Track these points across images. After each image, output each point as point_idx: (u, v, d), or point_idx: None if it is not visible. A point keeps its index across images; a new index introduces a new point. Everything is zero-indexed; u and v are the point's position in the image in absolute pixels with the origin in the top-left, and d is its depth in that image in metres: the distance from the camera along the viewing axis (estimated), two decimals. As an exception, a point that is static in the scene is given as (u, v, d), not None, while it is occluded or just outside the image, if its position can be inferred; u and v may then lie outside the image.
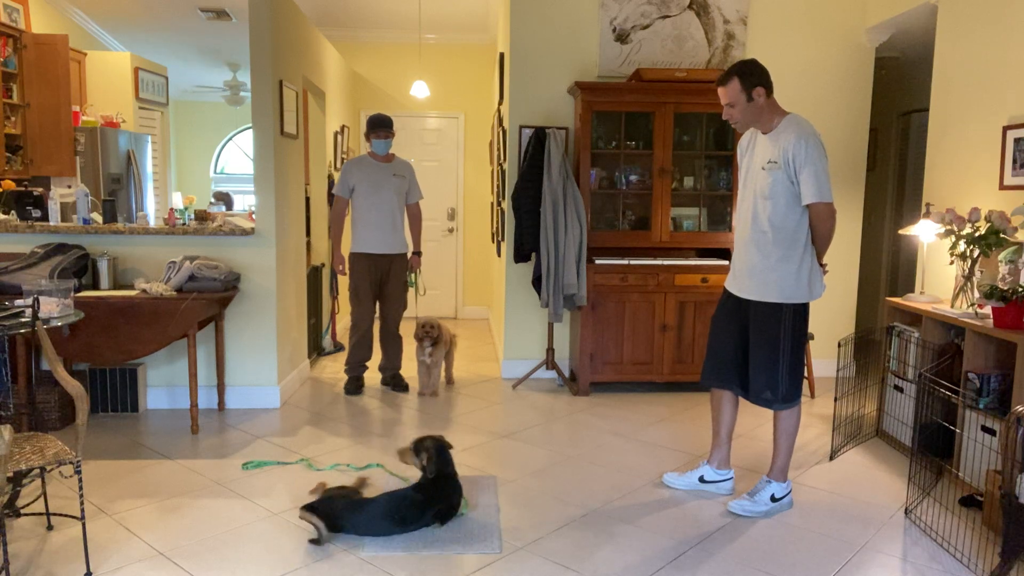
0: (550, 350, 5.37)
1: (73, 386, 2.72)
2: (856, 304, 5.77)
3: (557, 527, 3.12)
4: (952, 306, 3.82)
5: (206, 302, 4.19)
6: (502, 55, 5.95)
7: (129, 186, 6.81)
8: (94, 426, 4.31)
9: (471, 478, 3.57)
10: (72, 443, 2.77)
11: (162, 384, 4.68)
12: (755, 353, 3.29)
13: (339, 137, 6.97)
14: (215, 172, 10.85)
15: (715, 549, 2.95)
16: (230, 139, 10.86)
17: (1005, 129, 3.89)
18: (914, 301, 4.13)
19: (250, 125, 4.73)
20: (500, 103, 6.12)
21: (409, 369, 5.43)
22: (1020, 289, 3.27)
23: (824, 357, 5.57)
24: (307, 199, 5.79)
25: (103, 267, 4.34)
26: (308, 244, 5.85)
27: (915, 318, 4.15)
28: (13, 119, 6.07)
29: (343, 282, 7.00)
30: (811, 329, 5.50)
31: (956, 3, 4.37)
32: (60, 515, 3.09)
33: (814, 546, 2.99)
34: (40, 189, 5.38)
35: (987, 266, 3.78)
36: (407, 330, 5.32)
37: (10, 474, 2.52)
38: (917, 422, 3.57)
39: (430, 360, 5.03)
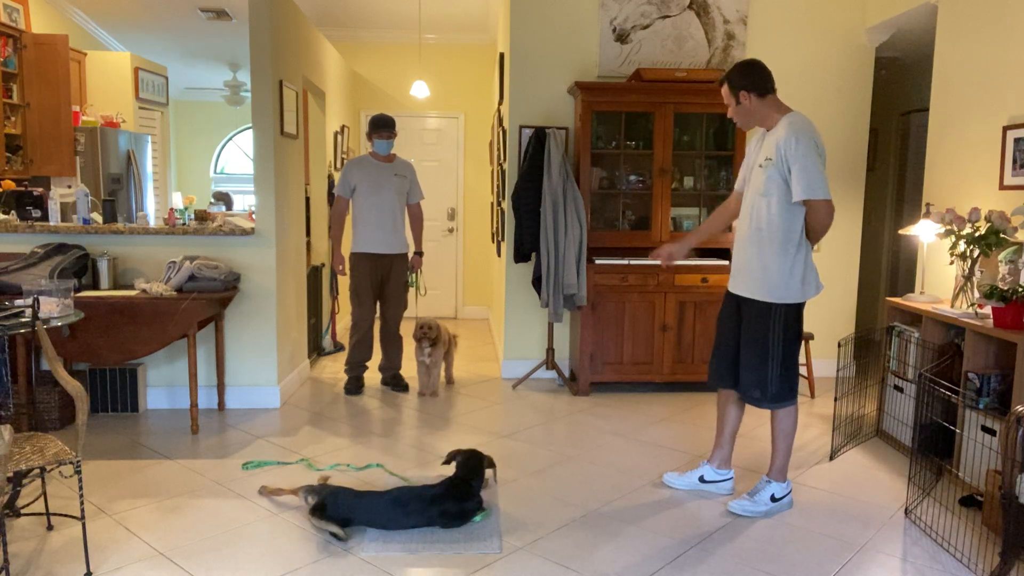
0: (550, 350, 5.37)
1: (73, 386, 2.72)
2: (856, 304, 5.77)
3: (557, 527, 3.12)
4: (952, 306, 3.82)
5: (206, 302, 4.19)
6: (502, 55, 5.95)
7: (129, 186, 6.81)
8: (94, 426, 4.31)
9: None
10: (72, 443, 2.77)
11: (162, 384, 4.68)
12: (745, 351, 3.29)
13: (339, 137, 6.97)
14: (215, 172, 10.85)
15: (715, 549, 2.95)
16: (230, 139, 10.86)
17: (1005, 129, 3.89)
18: (914, 301, 4.13)
19: (250, 125, 4.73)
20: (500, 103, 6.12)
21: (409, 369, 5.43)
22: (1020, 289, 3.27)
23: (824, 357, 5.57)
24: (307, 199, 5.79)
25: (103, 267, 4.34)
26: (308, 244, 5.85)
27: (915, 318, 4.15)
28: (13, 119, 6.07)
29: (343, 282, 7.00)
30: (811, 329, 5.53)
31: (956, 3, 4.37)
32: (60, 515, 3.09)
33: (814, 546, 2.99)
34: (40, 189, 5.39)
35: (987, 266, 3.78)
36: (407, 330, 5.32)
37: (10, 474, 2.52)
38: (917, 422, 3.57)
39: (429, 360, 5.03)
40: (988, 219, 3.63)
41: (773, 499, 3.29)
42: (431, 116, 7.97)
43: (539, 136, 5.06)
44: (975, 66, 4.19)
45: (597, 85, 5.03)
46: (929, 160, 4.59)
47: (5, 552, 2.51)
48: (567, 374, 5.51)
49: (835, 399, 4.15)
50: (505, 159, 5.66)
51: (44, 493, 3.04)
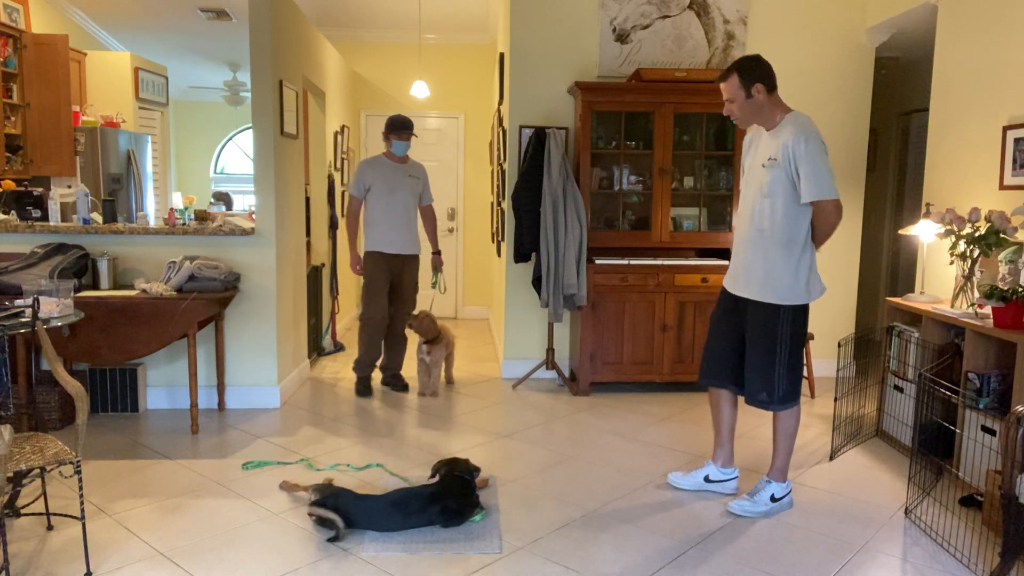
0: (550, 350, 5.37)
1: (73, 386, 2.72)
2: (856, 304, 5.77)
3: (557, 527, 3.12)
4: (952, 306, 3.82)
5: (206, 302, 4.19)
6: (502, 55, 5.95)
7: (129, 186, 6.81)
8: (94, 426, 4.31)
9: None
10: (72, 443, 2.77)
11: (162, 384, 4.68)
12: (751, 354, 3.26)
13: (339, 137, 6.97)
14: (215, 172, 10.85)
15: (715, 549, 2.95)
16: (230, 139, 10.86)
17: (1005, 129, 3.89)
18: (914, 301, 4.13)
19: (250, 125, 4.73)
20: (500, 103, 6.12)
21: (408, 369, 5.43)
22: (1020, 289, 3.27)
23: (824, 357, 5.57)
24: (307, 199, 5.79)
25: (103, 267, 4.34)
26: (308, 244, 5.85)
27: (915, 318, 4.15)
28: (13, 119, 6.07)
29: (343, 282, 7.00)
30: (811, 329, 5.52)
31: (956, 3, 4.37)
32: (60, 515, 3.09)
33: (814, 546, 2.99)
34: (40, 189, 5.39)
35: (987, 266, 3.78)
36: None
37: (10, 474, 2.52)
38: (917, 422, 3.57)
39: (429, 359, 5.03)
40: (988, 219, 3.63)
41: (773, 499, 3.28)
42: (431, 116, 7.97)
43: (539, 136, 5.06)
44: (975, 66, 4.19)
45: (597, 85, 5.03)
46: (929, 160, 4.59)
47: (5, 552, 2.51)
48: (567, 374, 5.51)
49: (835, 399, 4.15)
50: (505, 159, 5.66)
51: (44, 493, 3.03)
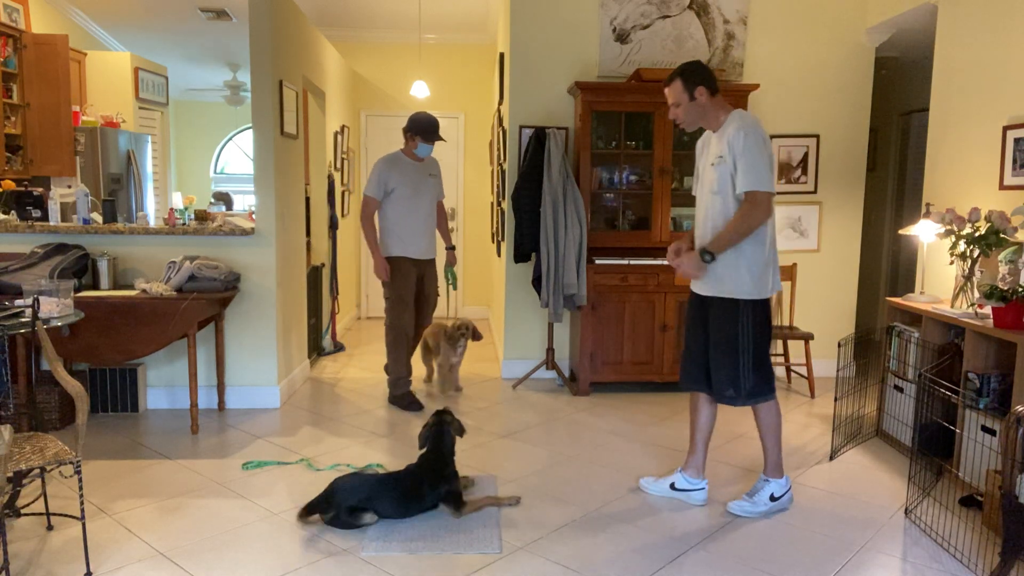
0: (550, 350, 5.37)
1: (73, 386, 2.72)
2: (856, 304, 5.77)
3: (557, 527, 3.12)
4: (952, 306, 3.82)
5: (206, 302, 4.19)
6: (502, 55, 5.95)
7: (129, 186, 6.81)
8: (94, 426, 4.31)
9: (471, 477, 3.57)
10: (72, 443, 2.77)
11: (162, 384, 4.68)
12: (714, 351, 3.23)
13: (339, 137, 6.97)
14: (215, 172, 10.85)
15: (715, 549, 2.95)
16: (230, 139, 10.86)
17: (1005, 129, 3.89)
18: (914, 301, 4.13)
19: (250, 125, 4.73)
20: (500, 103, 6.12)
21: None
22: (1020, 289, 3.27)
23: (824, 357, 5.57)
24: (307, 199, 5.79)
25: (103, 267, 4.34)
26: (308, 244, 5.85)
27: (915, 318, 4.15)
28: (13, 119, 6.07)
29: (343, 282, 7.00)
30: (811, 329, 5.54)
31: (956, 3, 4.37)
32: (60, 515, 3.09)
33: (814, 546, 2.99)
34: (40, 189, 5.39)
35: (987, 266, 3.78)
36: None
37: (10, 474, 2.52)
38: (917, 422, 3.57)
39: (459, 360, 5.10)
40: (988, 219, 3.63)
41: (772, 498, 3.28)
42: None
43: (539, 136, 5.06)
44: (975, 66, 4.19)
45: (597, 85, 5.03)
46: (929, 160, 4.59)
47: (5, 552, 2.51)
48: (567, 374, 5.51)
49: (835, 399, 4.14)
50: (505, 159, 5.66)
51: (44, 493, 3.04)
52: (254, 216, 4.72)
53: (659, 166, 5.08)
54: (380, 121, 7.97)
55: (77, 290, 4.18)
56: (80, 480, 2.66)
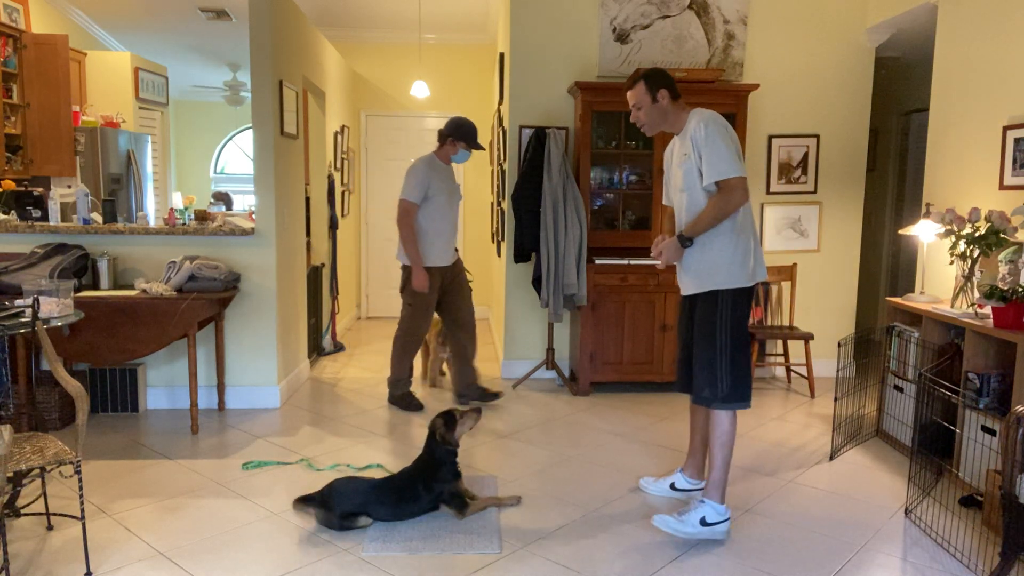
0: (550, 350, 5.37)
1: (73, 386, 2.72)
2: (856, 304, 5.77)
3: (557, 527, 3.12)
4: (952, 306, 3.82)
5: (206, 302, 4.19)
6: (502, 55, 5.95)
7: (129, 186, 6.81)
8: (94, 426, 4.31)
9: (471, 478, 3.57)
10: (72, 443, 2.77)
11: (162, 384, 4.68)
12: (696, 350, 3.15)
13: (339, 137, 6.97)
14: (215, 172, 10.85)
15: (715, 549, 2.95)
16: (230, 139, 10.86)
17: (1005, 129, 3.89)
18: (914, 301, 4.13)
19: (250, 125, 4.73)
20: (500, 103, 6.12)
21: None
22: (1020, 289, 3.27)
23: (824, 357, 5.57)
24: (307, 199, 5.79)
25: (103, 267, 4.34)
26: (308, 244, 5.85)
27: (915, 318, 4.15)
28: (13, 119, 6.07)
29: (343, 282, 7.00)
30: (811, 329, 5.54)
31: (956, 3, 4.37)
32: (60, 515, 3.09)
33: (814, 546, 2.99)
34: (40, 189, 5.39)
35: (987, 266, 3.78)
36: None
37: (10, 474, 2.52)
38: (917, 422, 3.57)
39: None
40: (988, 219, 3.63)
41: (703, 523, 3.03)
42: (431, 116, 7.97)
43: (539, 136, 5.06)
44: (975, 66, 4.19)
45: (597, 85, 5.03)
46: (929, 160, 4.59)
47: (5, 552, 2.51)
48: (567, 374, 5.51)
49: (835, 399, 4.14)
50: (505, 159, 5.66)
51: (44, 493, 3.04)
52: (254, 216, 4.72)
53: (659, 166, 5.07)
54: (380, 121, 7.97)
55: (77, 290, 4.19)
56: (80, 480, 2.66)
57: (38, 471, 2.62)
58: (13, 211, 5.04)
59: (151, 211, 7.31)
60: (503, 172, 5.80)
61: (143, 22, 7.42)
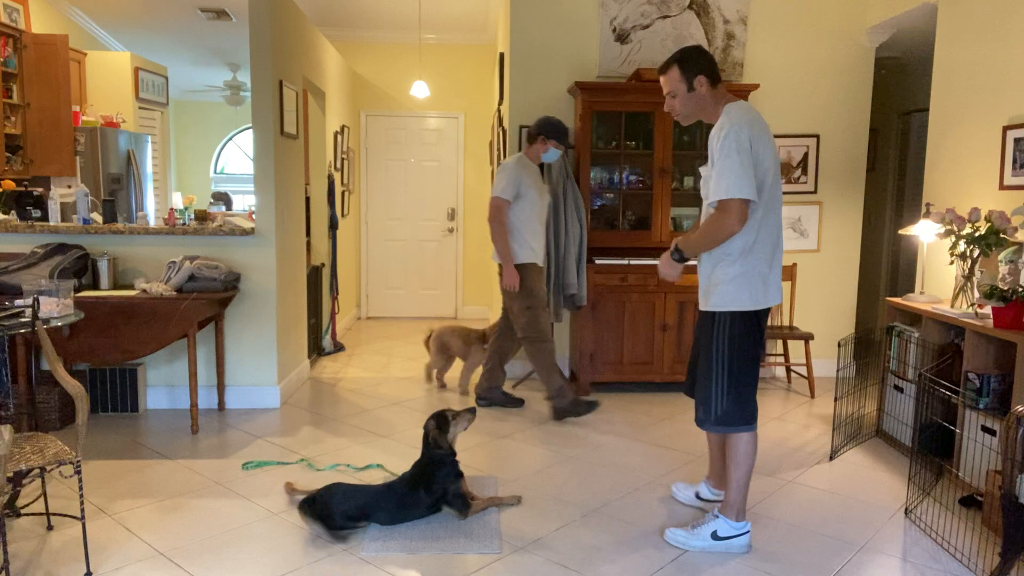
0: (550, 350, 5.37)
1: (73, 386, 2.72)
2: (856, 304, 5.77)
3: (557, 527, 3.12)
4: (952, 306, 3.82)
5: (206, 302, 4.19)
6: (502, 55, 5.95)
7: (129, 186, 6.81)
8: (94, 426, 4.31)
9: (471, 478, 3.57)
10: (72, 443, 2.77)
11: (162, 384, 4.68)
12: (699, 366, 3.00)
13: (339, 137, 6.97)
14: (215, 172, 10.85)
15: (715, 549, 2.95)
16: (230, 139, 10.86)
17: (1005, 129, 3.89)
18: (914, 301, 4.13)
19: (250, 125, 4.73)
20: (500, 103, 6.11)
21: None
22: (1020, 289, 3.27)
23: (824, 357, 5.57)
24: (307, 199, 5.79)
25: (103, 267, 4.34)
26: (308, 244, 5.84)
27: (915, 318, 4.15)
28: (13, 119, 6.07)
29: (343, 282, 7.00)
30: (811, 329, 5.54)
31: (956, 3, 4.37)
32: (60, 515, 3.09)
33: (814, 546, 2.99)
34: (40, 189, 5.39)
35: (987, 266, 3.78)
36: (403, 334, 5.30)
37: (10, 474, 2.52)
38: (917, 422, 3.57)
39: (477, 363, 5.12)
40: (988, 219, 3.63)
41: (715, 537, 2.93)
42: (431, 116, 7.98)
43: (539, 136, 5.05)
44: (975, 66, 4.19)
45: (597, 85, 5.03)
46: (929, 160, 4.59)
47: (5, 552, 2.51)
48: (567, 374, 5.51)
49: (835, 399, 4.15)
50: (505, 159, 5.65)
51: (44, 493, 3.03)
52: (254, 216, 4.72)
53: (659, 166, 5.08)
54: (380, 121, 7.98)
55: (77, 290, 4.18)
56: (80, 480, 2.66)
57: (38, 471, 2.62)
58: (13, 211, 5.04)
59: (151, 211, 7.31)
60: (503, 172, 5.79)
61: (143, 22, 7.42)
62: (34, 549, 2.86)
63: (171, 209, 4.76)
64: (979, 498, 3.29)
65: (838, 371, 4.38)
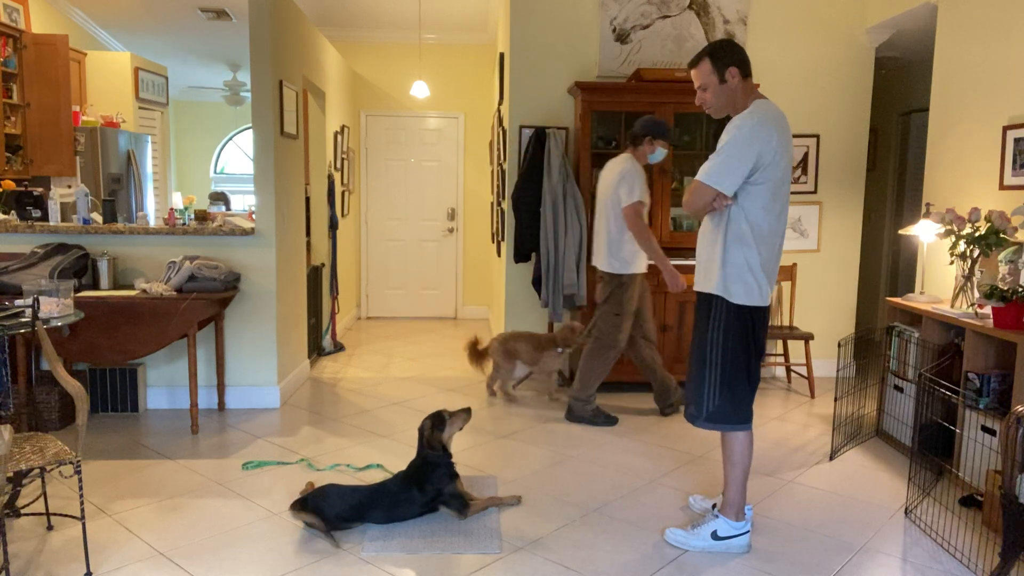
0: (550, 350, 5.36)
1: (73, 386, 2.72)
2: (856, 304, 5.77)
3: (557, 527, 3.12)
4: (952, 306, 3.82)
5: (206, 302, 4.19)
6: (502, 55, 5.95)
7: (129, 186, 6.81)
8: (94, 426, 4.31)
9: (471, 478, 3.57)
10: (72, 443, 2.77)
11: (162, 384, 4.68)
12: (689, 361, 2.95)
13: (339, 137, 6.97)
14: (215, 172, 10.85)
15: (715, 549, 2.95)
16: (230, 139, 10.86)
17: (1005, 129, 3.89)
18: (914, 301, 4.13)
19: (250, 125, 4.73)
20: (500, 103, 6.12)
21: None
22: (1020, 289, 3.27)
23: (824, 357, 5.57)
24: (307, 199, 5.79)
25: (103, 267, 4.34)
26: (308, 244, 5.84)
27: (915, 318, 4.15)
28: (13, 119, 6.07)
29: (344, 282, 7.00)
30: (811, 329, 5.54)
31: (956, 3, 4.37)
32: (60, 515, 3.09)
33: (814, 546, 2.99)
34: (40, 189, 5.38)
35: (987, 266, 3.79)
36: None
37: (10, 474, 2.52)
38: (917, 422, 3.57)
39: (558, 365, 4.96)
40: (988, 219, 3.63)
41: (715, 536, 2.93)
42: (431, 116, 7.98)
43: (539, 136, 5.06)
44: (975, 66, 4.19)
45: (597, 85, 5.03)
46: (929, 160, 4.59)
47: (5, 552, 2.51)
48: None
49: (835, 399, 4.15)
50: (505, 159, 5.66)
51: (44, 493, 3.04)
52: (254, 216, 4.72)
53: (659, 166, 5.07)
54: (380, 121, 7.98)
55: (77, 290, 4.18)
56: (80, 480, 2.66)
57: (38, 471, 2.62)
58: (13, 211, 5.04)
59: (151, 211, 7.31)
60: (503, 172, 5.80)
61: (143, 22, 7.42)
62: (34, 549, 2.86)
63: (171, 209, 4.76)
64: (979, 498, 3.29)
65: (838, 371, 4.39)
